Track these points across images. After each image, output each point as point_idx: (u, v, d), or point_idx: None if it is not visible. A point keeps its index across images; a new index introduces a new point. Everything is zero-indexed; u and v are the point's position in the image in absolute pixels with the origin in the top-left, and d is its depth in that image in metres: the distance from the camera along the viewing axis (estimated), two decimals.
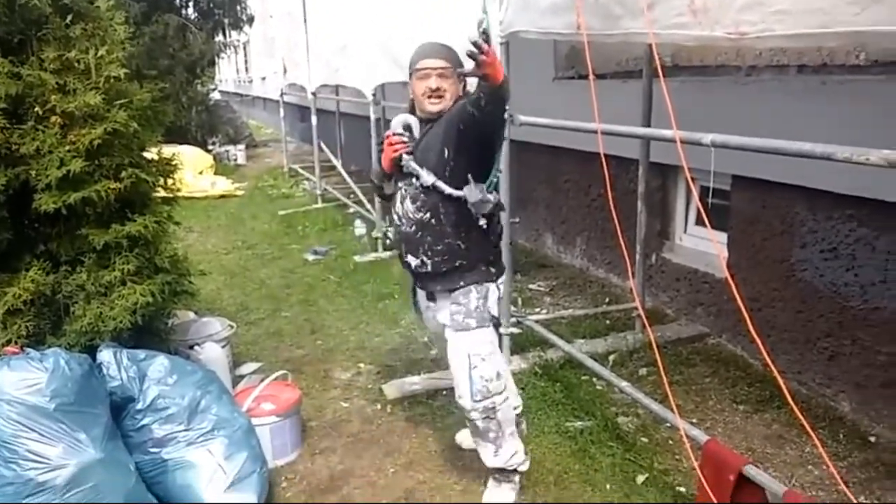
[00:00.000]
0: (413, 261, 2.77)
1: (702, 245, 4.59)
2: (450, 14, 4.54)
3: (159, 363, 2.89)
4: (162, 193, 3.38)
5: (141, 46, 10.53)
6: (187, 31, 12.83)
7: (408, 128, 2.71)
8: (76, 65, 3.00)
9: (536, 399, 3.67)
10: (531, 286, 5.46)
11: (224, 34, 14.18)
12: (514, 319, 4.09)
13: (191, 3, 13.76)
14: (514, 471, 2.89)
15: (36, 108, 2.90)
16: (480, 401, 2.72)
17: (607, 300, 4.99)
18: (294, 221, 8.13)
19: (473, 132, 2.53)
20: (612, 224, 2.98)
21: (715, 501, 2.48)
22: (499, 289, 2.83)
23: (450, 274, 2.73)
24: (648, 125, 3.86)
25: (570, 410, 3.56)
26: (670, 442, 3.28)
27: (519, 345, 4.21)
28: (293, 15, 8.83)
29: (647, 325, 3.15)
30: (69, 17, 3.07)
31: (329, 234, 7.51)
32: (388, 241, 6.55)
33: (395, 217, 2.80)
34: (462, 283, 2.73)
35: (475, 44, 2.14)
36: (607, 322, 4.59)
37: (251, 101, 22.52)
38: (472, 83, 2.64)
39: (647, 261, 4.83)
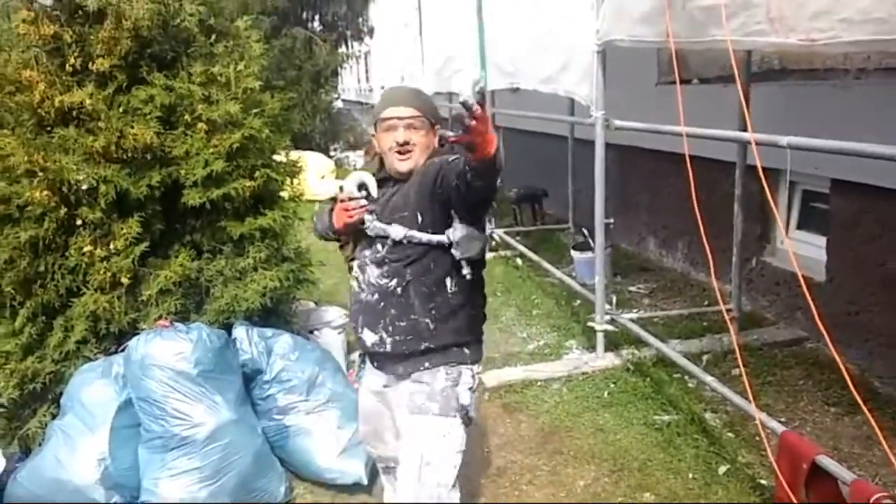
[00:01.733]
0: (370, 337, 2.25)
1: (802, 249, 4.59)
2: (548, 20, 4.77)
3: (284, 340, 3.30)
4: (288, 192, 3.80)
5: (271, 59, 11.35)
6: (313, 43, 13.64)
7: (363, 187, 2.22)
8: (219, 78, 3.46)
9: (627, 393, 3.85)
10: (630, 288, 5.59)
11: (346, 45, 14.95)
12: (608, 318, 4.27)
13: (316, 17, 14.60)
14: None
15: (185, 116, 3.37)
16: None
17: (706, 303, 5.05)
18: None
19: (456, 203, 2.09)
20: (700, 227, 3.11)
21: (788, 490, 2.60)
22: (474, 378, 2.29)
23: (412, 357, 2.22)
24: (745, 129, 3.95)
25: (658, 405, 3.71)
26: (756, 438, 3.37)
27: (613, 342, 4.37)
28: (409, 26, 9.28)
29: (730, 326, 3.25)
30: (213, 36, 3.55)
31: None
32: (493, 242, 6.82)
33: (355, 284, 2.30)
34: (427, 365, 2.21)
35: (464, 104, 1.71)
36: (704, 324, 4.67)
37: (372, 110, 23.36)
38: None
39: (747, 264, 4.87)
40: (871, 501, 2.30)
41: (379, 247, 2.22)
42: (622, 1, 3.73)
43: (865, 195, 3.86)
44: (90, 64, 3.24)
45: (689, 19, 3.11)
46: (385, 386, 2.32)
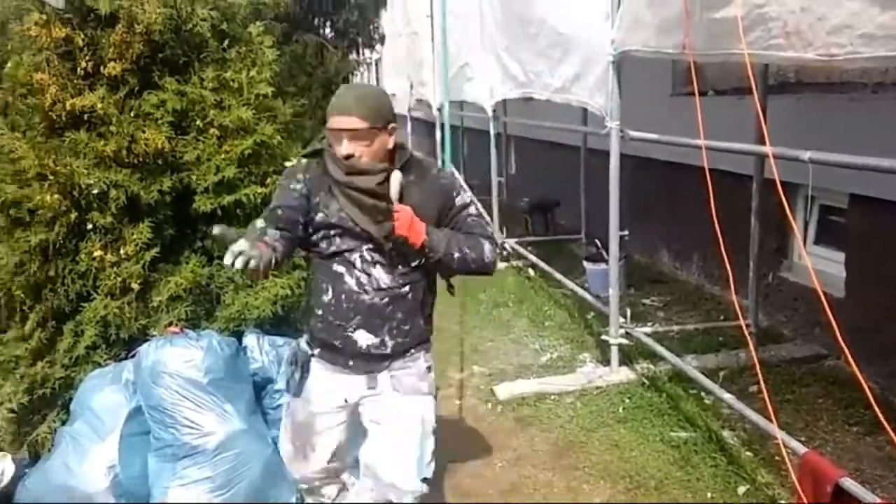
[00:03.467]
0: (364, 338, 2.18)
1: (820, 264, 4.52)
2: (561, 29, 4.73)
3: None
4: None
5: (283, 65, 11.34)
6: (324, 49, 13.64)
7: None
8: (231, 83, 3.41)
9: (642, 409, 3.78)
10: (644, 301, 5.52)
11: (358, 52, 14.93)
12: (622, 331, 4.20)
13: (328, 24, 14.60)
14: None
15: (197, 122, 3.32)
16: (425, 481, 2.25)
17: (721, 317, 4.97)
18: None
19: None
20: (719, 240, 3.05)
21: None
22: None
23: (403, 353, 2.26)
24: (762, 142, 3.89)
25: (675, 421, 3.64)
26: (776, 458, 3.29)
27: (628, 356, 4.31)
28: (419, 35, 9.26)
29: (749, 341, 3.18)
30: (226, 42, 3.50)
31: None
32: (505, 253, 6.76)
33: (352, 283, 2.16)
34: (413, 352, 2.27)
35: (375, 207, 2.02)
36: (720, 339, 4.59)
37: None
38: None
39: (764, 279, 4.80)
40: None
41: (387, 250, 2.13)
42: (638, 11, 3.68)
43: (884, 210, 3.79)
44: (102, 68, 3.19)
45: (706, 31, 3.06)
46: (350, 390, 2.27)
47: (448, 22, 7.81)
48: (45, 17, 3.13)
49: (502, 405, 3.93)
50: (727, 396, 3.32)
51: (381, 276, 2.16)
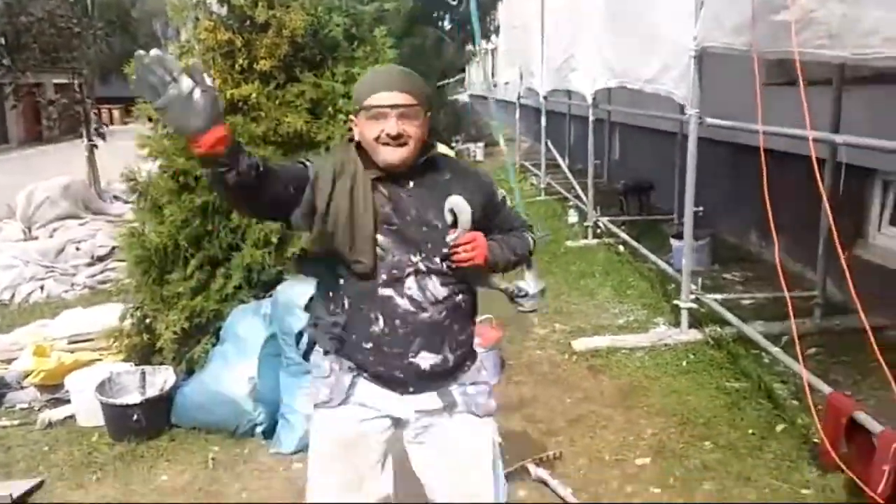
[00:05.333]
0: (430, 359, 1.92)
1: (894, 244, 4.77)
2: (652, 24, 5.15)
3: None
4: None
5: (402, 56, 12.19)
6: (442, 41, 14.40)
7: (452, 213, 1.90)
8: (357, 77, 4.11)
9: (703, 363, 4.23)
10: (725, 275, 5.89)
11: (473, 44, 15.61)
12: (693, 297, 4.64)
13: (446, 16, 15.35)
14: None
15: (329, 109, 4.06)
16: None
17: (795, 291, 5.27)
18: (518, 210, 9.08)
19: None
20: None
21: (827, 443, 2.95)
22: None
23: (462, 363, 2.02)
24: (837, 130, 4.22)
25: (731, 374, 4.07)
26: (819, 407, 3.66)
27: (699, 321, 4.73)
28: (529, 27, 9.79)
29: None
30: (354, 43, 4.24)
31: (548, 222, 8.36)
32: (598, 230, 7.24)
33: (408, 301, 1.90)
34: (468, 363, 2.04)
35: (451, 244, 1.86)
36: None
37: (495, 105, 24.01)
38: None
39: (841, 258, 5.06)
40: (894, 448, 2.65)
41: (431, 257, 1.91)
42: (718, 11, 4.11)
43: None
44: (255, 64, 3.98)
45: (770, 31, 3.48)
46: (407, 409, 1.98)
47: (556, 16, 8.31)
48: (212, 23, 3.94)
49: (577, 356, 4.48)
50: (775, 350, 3.73)
51: (437, 287, 1.92)
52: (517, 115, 12.98)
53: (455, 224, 1.88)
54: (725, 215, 6.78)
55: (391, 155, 1.85)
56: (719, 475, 3.16)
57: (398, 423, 2.00)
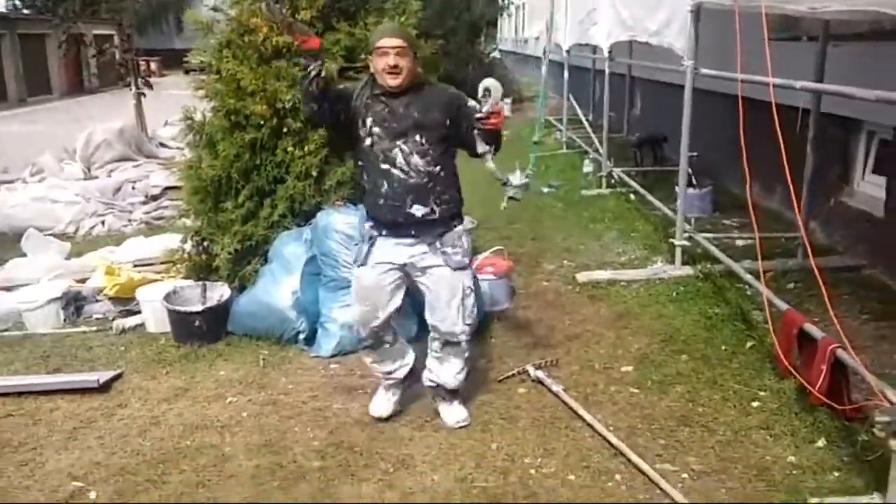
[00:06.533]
0: (420, 210, 3.00)
1: (875, 191, 5.20)
2: None
3: None
4: None
5: (433, 9, 12.55)
6: None
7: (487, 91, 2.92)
8: None
9: (691, 293, 4.75)
10: (724, 221, 6.37)
11: None
12: (686, 235, 5.13)
13: None
14: (457, 390, 3.38)
15: (362, 55, 4.55)
16: (469, 324, 3.20)
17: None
18: (540, 162, 9.53)
19: (452, 136, 3.07)
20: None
21: (781, 354, 3.48)
22: None
23: (449, 220, 3.11)
24: (821, 81, 4.63)
25: (714, 302, 4.59)
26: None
27: (693, 259, 5.23)
28: None
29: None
30: None
31: (566, 173, 8.83)
32: (612, 180, 7.69)
33: (399, 171, 2.99)
34: (455, 225, 3.14)
35: (485, 113, 2.88)
36: (777, 250, 5.39)
37: (525, 60, 24.20)
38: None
39: (827, 204, 5.52)
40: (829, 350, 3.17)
41: (419, 138, 2.97)
42: None
43: None
44: (296, 14, 4.48)
45: None
46: (411, 256, 3.09)
47: None
48: None
49: (580, 286, 5.02)
50: (748, 277, 4.23)
51: (419, 161, 2.99)
52: (543, 71, 13.32)
53: (486, 97, 2.86)
54: (730, 167, 7.18)
55: (391, 80, 2.95)
56: (691, 381, 3.70)
57: (403, 268, 3.15)
